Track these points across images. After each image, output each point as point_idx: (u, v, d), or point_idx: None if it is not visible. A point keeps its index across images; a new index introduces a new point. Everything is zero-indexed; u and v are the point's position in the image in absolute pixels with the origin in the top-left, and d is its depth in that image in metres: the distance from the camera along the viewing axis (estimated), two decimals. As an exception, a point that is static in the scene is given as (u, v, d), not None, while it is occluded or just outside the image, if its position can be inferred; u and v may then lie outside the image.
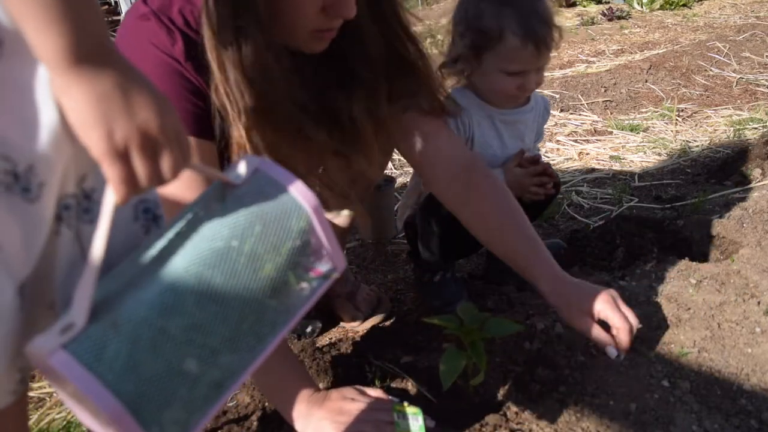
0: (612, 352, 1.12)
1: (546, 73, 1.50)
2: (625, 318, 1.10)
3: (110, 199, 0.63)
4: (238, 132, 0.98)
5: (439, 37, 1.46)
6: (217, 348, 0.67)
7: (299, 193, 0.74)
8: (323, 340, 1.46)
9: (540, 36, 1.33)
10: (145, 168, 0.62)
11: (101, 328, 0.61)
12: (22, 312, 0.65)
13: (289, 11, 0.95)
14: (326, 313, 1.51)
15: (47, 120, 0.64)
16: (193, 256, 0.68)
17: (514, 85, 1.40)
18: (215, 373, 0.67)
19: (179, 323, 0.64)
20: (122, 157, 0.60)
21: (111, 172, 0.60)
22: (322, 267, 0.78)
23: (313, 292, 0.78)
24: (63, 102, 0.59)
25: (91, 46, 0.58)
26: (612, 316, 1.10)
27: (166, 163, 0.63)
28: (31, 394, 1.34)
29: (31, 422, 1.26)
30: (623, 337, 1.10)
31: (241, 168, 0.75)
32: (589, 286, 1.16)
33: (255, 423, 1.18)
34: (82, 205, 0.72)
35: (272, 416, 1.18)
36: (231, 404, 1.23)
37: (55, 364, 0.58)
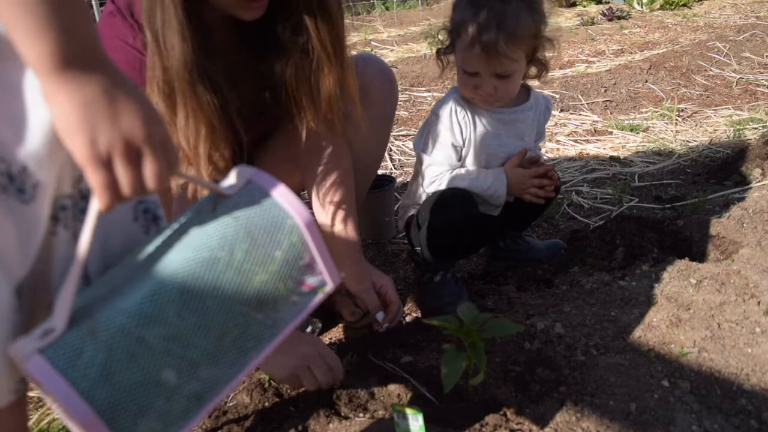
0: (381, 315, 1.34)
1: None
2: (399, 300, 1.37)
3: (94, 205, 0.63)
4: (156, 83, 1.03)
5: (440, 37, 1.47)
6: (197, 360, 0.66)
7: (291, 205, 0.72)
8: (323, 340, 1.46)
9: (488, 41, 1.31)
10: (128, 176, 0.61)
11: (79, 335, 0.61)
12: (20, 312, 0.65)
13: None
14: (326, 312, 1.51)
15: (39, 121, 0.64)
16: (178, 266, 0.67)
17: (471, 84, 1.41)
18: (195, 385, 0.66)
19: (158, 333, 0.63)
20: (105, 164, 0.60)
21: (94, 178, 0.60)
22: (314, 281, 0.76)
23: (304, 307, 0.76)
24: (50, 107, 0.59)
25: (79, 51, 0.57)
26: (391, 293, 1.37)
27: (149, 172, 0.62)
28: (30, 394, 1.33)
29: (31, 422, 1.26)
30: (395, 309, 1.35)
31: (234, 179, 0.74)
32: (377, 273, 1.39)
33: (255, 423, 1.18)
34: (79, 206, 0.72)
35: (272, 416, 1.18)
36: (231, 404, 1.23)
37: (30, 368, 0.58)
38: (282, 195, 0.73)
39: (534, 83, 1.56)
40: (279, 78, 1.18)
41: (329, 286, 0.78)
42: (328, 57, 1.14)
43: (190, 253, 0.68)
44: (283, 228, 0.72)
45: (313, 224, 0.74)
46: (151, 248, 0.70)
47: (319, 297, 0.78)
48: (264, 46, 1.17)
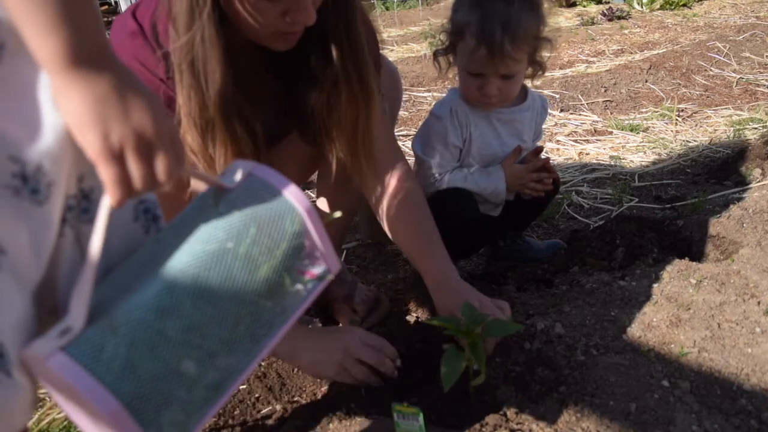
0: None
1: (546, 73, 1.50)
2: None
3: (106, 202, 0.64)
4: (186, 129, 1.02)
5: (441, 38, 1.47)
6: (214, 350, 0.67)
7: (293, 196, 0.74)
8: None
9: (494, 42, 1.32)
10: (140, 170, 0.62)
11: (99, 331, 0.61)
12: (36, 320, 0.65)
13: (251, 14, 0.98)
14: (325, 313, 1.51)
15: (52, 119, 0.64)
16: (189, 259, 0.68)
17: (475, 86, 1.41)
18: (213, 374, 0.68)
19: (176, 325, 0.65)
20: (117, 158, 0.61)
21: (106, 173, 0.61)
22: (317, 269, 0.78)
23: (309, 294, 0.78)
24: (61, 103, 0.59)
25: (90, 49, 0.58)
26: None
27: (160, 166, 0.64)
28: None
29: (31, 422, 1.26)
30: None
31: (235, 172, 0.75)
32: (472, 292, 1.23)
33: (256, 423, 1.18)
34: (81, 205, 0.72)
35: (273, 416, 1.18)
36: (232, 404, 1.23)
37: (54, 366, 0.59)
38: (283, 185, 0.75)
39: (534, 83, 1.57)
40: (310, 107, 1.16)
41: (331, 274, 0.80)
42: (351, 89, 1.12)
43: (199, 246, 0.69)
44: (286, 217, 0.74)
45: (314, 212, 0.75)
46: (156, 246, 0.70)
47: (322, 284, 0.80)
48: (292, 73, 1.15)
